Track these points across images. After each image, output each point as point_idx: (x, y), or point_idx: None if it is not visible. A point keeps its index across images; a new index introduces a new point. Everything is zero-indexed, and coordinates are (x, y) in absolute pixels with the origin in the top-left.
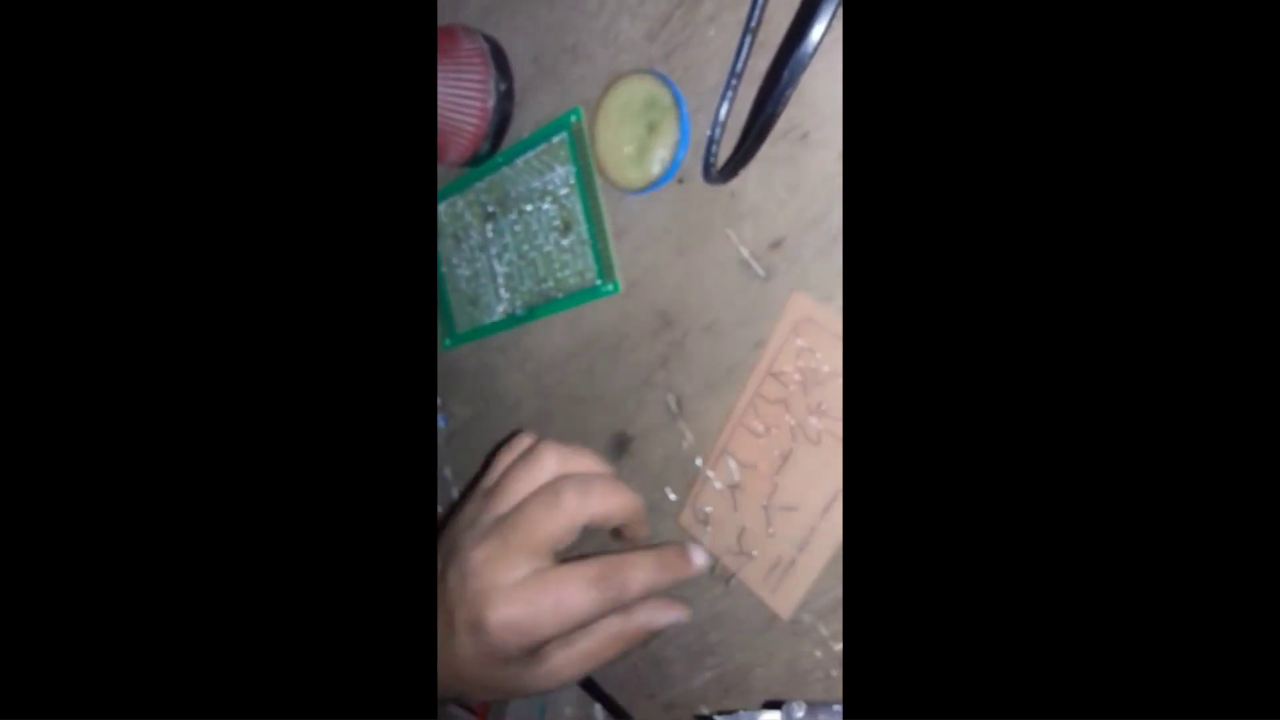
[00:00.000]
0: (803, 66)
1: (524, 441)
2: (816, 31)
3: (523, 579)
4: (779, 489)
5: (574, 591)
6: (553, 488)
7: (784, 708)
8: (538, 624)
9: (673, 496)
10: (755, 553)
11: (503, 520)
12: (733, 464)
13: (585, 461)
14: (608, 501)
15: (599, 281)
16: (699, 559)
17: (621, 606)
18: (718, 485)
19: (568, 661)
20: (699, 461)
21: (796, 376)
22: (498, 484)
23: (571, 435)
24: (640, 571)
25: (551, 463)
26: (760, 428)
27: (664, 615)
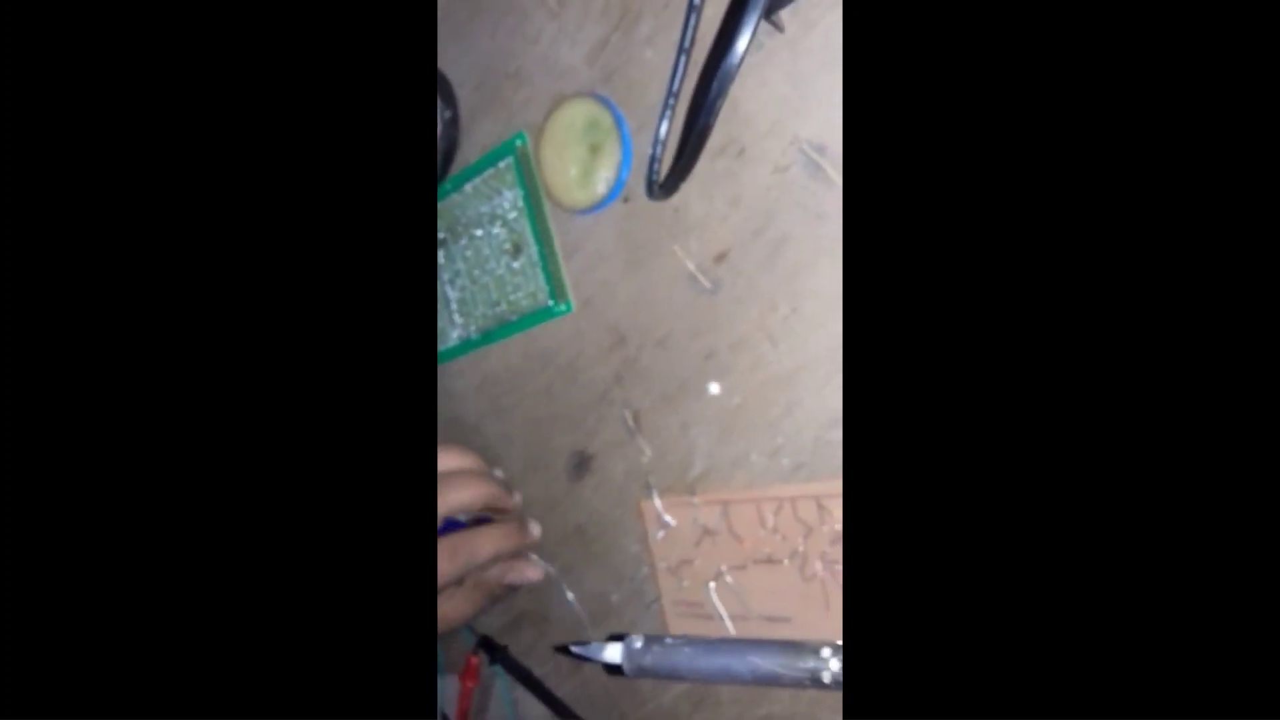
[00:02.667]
0: (730, 77)
1: (452, 460)
2: (741, 43)
3: None
4: (743, 575)
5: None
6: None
7: (625, 639)
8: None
9: (653, 495)
10: (685, 584)
11: None
12: (723, 518)
13: (454, 459)
14: (462, 495)
15: (551, 302)
16: (535, 530)
17: (479, 568)
18: (697, 517)
19: (446, 611)
20: (693, 499)
21: (837, 527)
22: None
23: (532, 455)
24: (487, 542)
25: (454, 458)
26: (771, 523)
27: (518, 574)
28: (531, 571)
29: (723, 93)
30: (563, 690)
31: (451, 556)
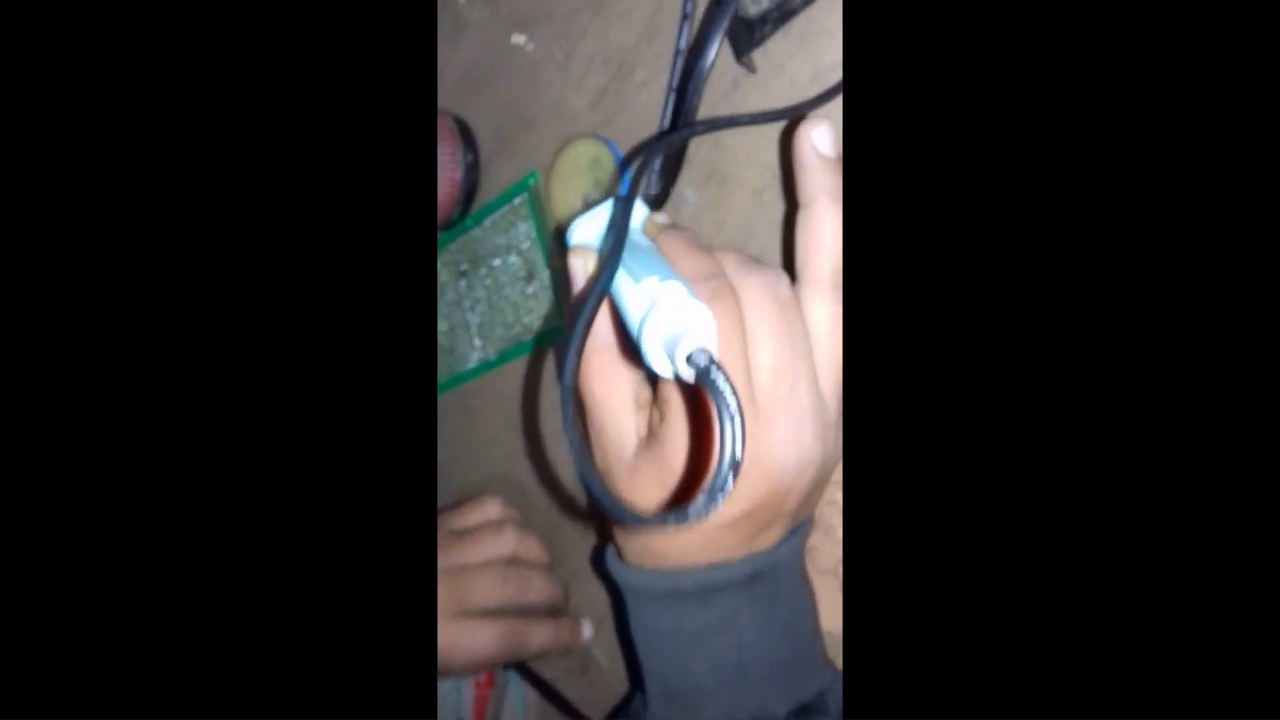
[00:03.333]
0: (703, 78)
1: (493, 510)
2: (711, 52)
3: (449, 622)
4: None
5: (485, 641)
6: (500, 572)
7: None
8: (452, 660)
9: None
10: None
11: (454, 573)
12: None
13: (534, 549)
14: (533, 592)
15: (561, 321)
16: (587, 631)
17: (523, 657)
18: None
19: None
20: None
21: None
22: (465, 537)
23: (544, 469)
24: (537, 638)
25: (510, 542)
26: None
27: (558, 640)
28: (572, 639)
29: (697, 91)
30: (571, 692)
31: (501, 641)
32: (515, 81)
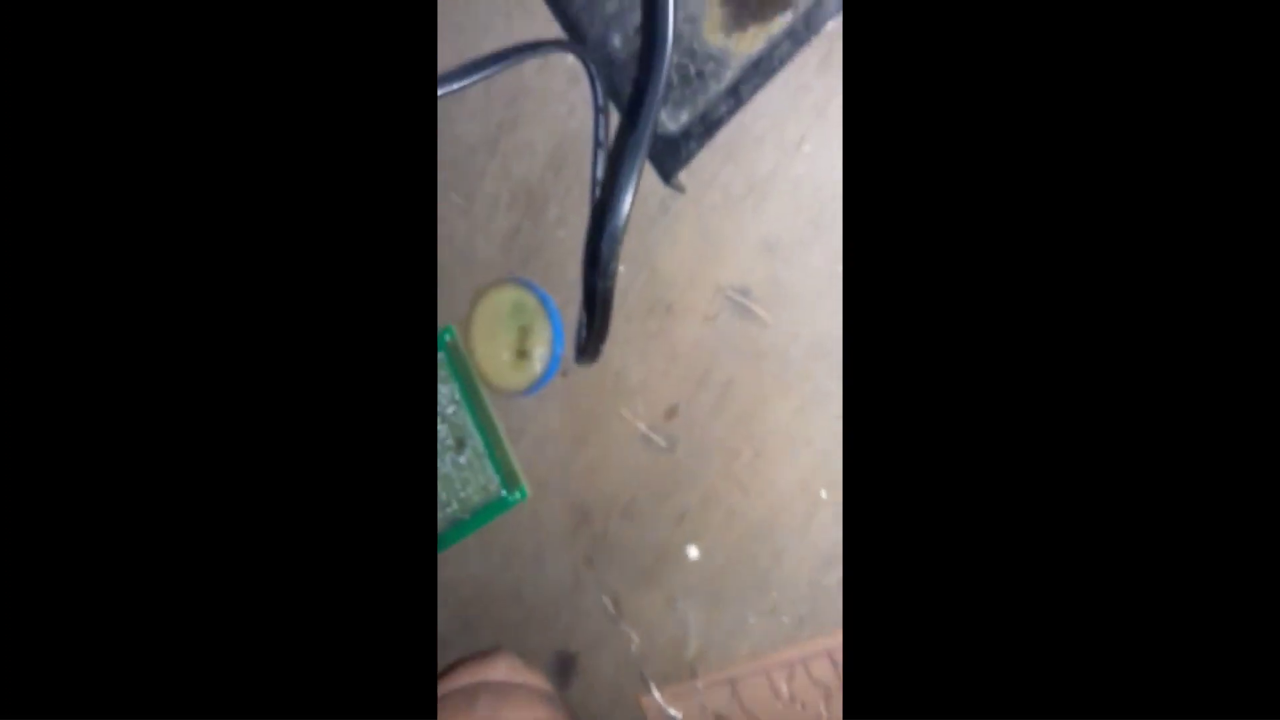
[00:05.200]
0: (617, 237)
1: (500, 670)
2: (625, 202)
3: None
4: None
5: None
6: (470, 692)
7: None
8: None
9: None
10: None
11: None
12: (733, 698)
13: (502, 671)
14: (517, 714)
15: (504, 492)
16: None
17: None
18: (705, 702)
19: None
20: (696, 684)
21: None
22: (450, 669)
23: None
24: None
25: (502, 669)
26: (786, 692)
27: None
28: None
29: (614, 254)
30: None
31: None
32: None
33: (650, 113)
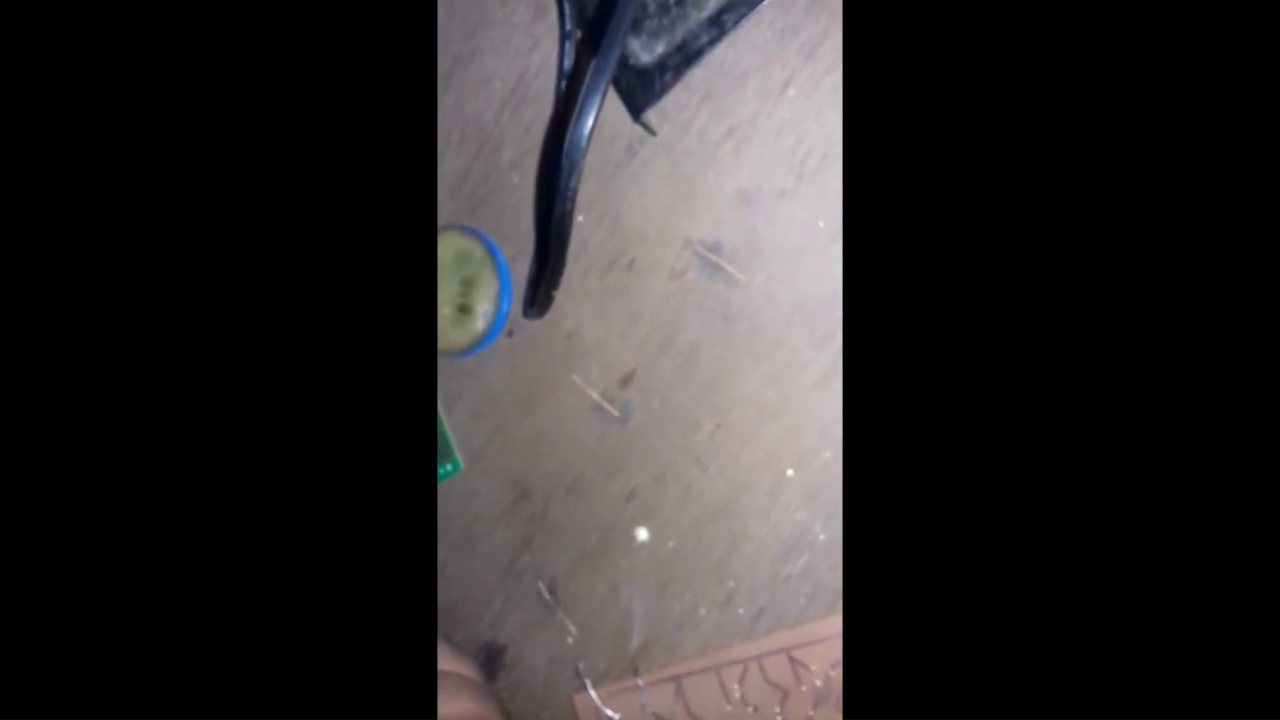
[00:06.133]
0: (580, 150)
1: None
2: (591, 110)
3: None
4: None
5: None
6: None
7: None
8: None
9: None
10: None
11: None
12: (678, 698)
13: (451, 661)
14: (443, 707)
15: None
16: None
17: None
18: (646, 703)
19: None
20: (637, 682)
21: (818, 682)
22: None
23: None
24: None
25: None
26: (737, 693)
27: None
28: None
29: (574, 169)
30: None
31: None
32: None
33: (627, 3)
